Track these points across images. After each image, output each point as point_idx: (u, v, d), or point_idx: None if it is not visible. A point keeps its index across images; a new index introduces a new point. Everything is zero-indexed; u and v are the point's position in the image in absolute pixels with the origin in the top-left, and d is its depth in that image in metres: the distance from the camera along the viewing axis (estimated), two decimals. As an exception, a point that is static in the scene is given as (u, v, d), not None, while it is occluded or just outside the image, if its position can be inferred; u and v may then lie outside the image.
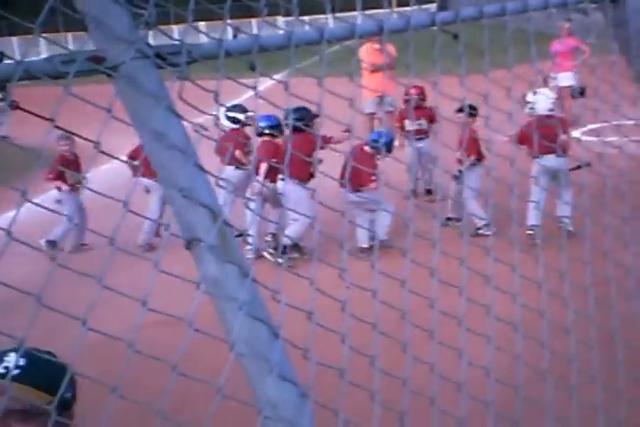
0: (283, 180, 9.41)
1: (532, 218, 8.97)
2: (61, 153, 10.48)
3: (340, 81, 2.00)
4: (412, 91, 10.75)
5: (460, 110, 8.68)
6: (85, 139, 1.27)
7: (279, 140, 9.90)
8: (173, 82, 1.54)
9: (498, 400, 2.09)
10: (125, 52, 1.49)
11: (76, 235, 10.34)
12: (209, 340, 1.50)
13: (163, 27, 1.61)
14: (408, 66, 2.21)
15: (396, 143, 11.13)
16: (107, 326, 1.30)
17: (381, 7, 2.92)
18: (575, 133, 10.13)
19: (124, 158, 9.24)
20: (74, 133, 1.31)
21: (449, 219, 10.05)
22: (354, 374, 1.67)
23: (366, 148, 9.79)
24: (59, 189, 10.33)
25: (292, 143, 2.33)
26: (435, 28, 2.22)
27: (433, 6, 34.60)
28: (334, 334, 1.70)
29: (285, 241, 9.07)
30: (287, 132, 9.54)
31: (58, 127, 1.20)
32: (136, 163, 8.83)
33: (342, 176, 9.07)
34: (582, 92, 14.66)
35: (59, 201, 10.21)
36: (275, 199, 9.91)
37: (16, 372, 2.13)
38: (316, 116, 8.49)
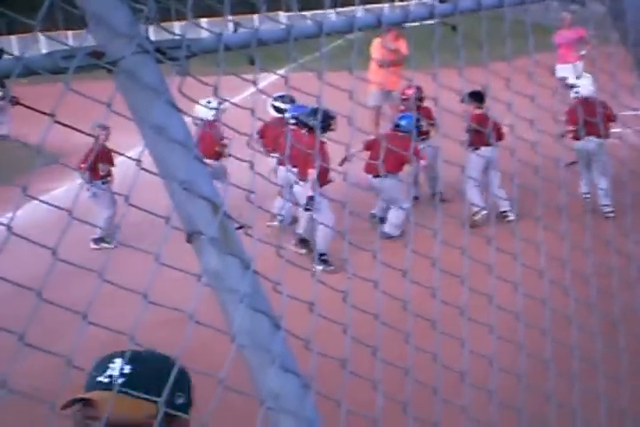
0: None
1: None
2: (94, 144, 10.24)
3: (343, 75, 2.00)
4: (409, 91, 10.70)
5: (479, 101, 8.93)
6: (84, 133, 1.28)
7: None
8: (175, 77, 1.55)
9: (501, 389, 2.10)
10: (125, 47, 1.50)
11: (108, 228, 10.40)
12: (216, 338, 1.50)
13: (164, 24, 1.62)
14: (413, 59, 2.22)
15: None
16: (113, 325, 1.30)
17: (381, 2, 2.93)
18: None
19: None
20: (73, 128, 1.32)
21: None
22: (356, 364, 1.68)
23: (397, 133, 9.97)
24: (91, 181, 9.86)
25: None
26: (434, 22, 2.23)
27: (433, -1, 34.40)
28: (336, 325, 1.71)
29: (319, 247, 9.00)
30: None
31: (58, 122, 1.21)
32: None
33: (373, 159, 9.36)
34: None
35: (94, 194, 9.90)
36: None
37: (120, 381, 1.93)
38: (332, 117, 8.58)
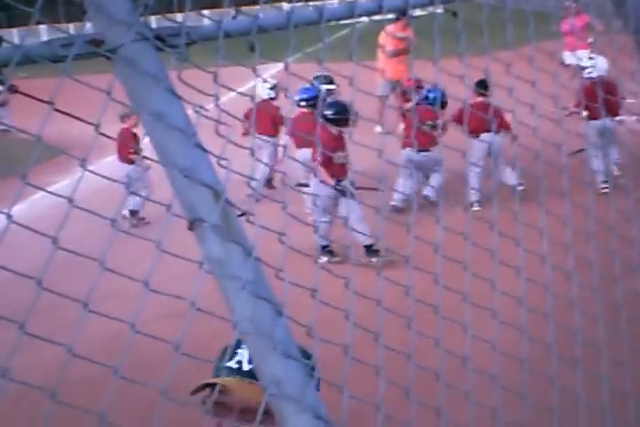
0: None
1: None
2: (124, 130, 10.66)
3: (348, 65, 1.99)
4: (409, 83, 10.74)
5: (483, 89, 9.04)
6: (85, 121, 1.28)
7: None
8: (181, 67, 1.55)
9: (503, 374, 2.10)
10: (125, 35, 1.50)
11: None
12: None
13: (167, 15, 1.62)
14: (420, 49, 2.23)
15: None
16: (125, 317, 1.31)
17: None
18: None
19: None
20: (74, 117, 1.32)
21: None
22: (358, 351, 1.68)
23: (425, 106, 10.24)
24: (130, 163, 10.47)
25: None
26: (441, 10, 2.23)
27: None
28: (338, 312, 1.72)
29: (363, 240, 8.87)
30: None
31: (57, 110, 1.21)
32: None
33: (408, 135, 9.52)
34: None
35: (131, 176, 10.03)
36: None
37: (247, 368, 1.97)
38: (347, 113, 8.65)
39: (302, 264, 1.67)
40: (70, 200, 1.20)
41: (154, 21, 1.59)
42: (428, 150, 9.99)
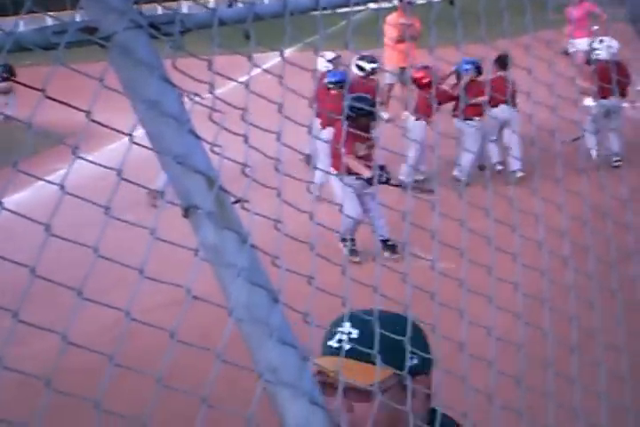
0: None
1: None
2: None
3: (350, 54, 1.99)
4: (418, 75, 11.00)
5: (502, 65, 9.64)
6: (77, 108, 1.28)
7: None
8: (181, 56, 1.55)
9: (499, 359, 2.10)
10: (118, 22, 1.49)
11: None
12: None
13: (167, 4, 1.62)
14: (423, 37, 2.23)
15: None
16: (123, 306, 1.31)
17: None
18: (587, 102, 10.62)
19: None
20: (67, 104, 1.31)
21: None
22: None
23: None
24: None
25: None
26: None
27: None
28: (335, 298, 1.72)
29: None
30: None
31: (49, 98, 1.21)
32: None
33: (456, 107, 10.22)
34: None
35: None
36: None
37: (347, 347, 1.92)
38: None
39: (300, 254, 1.67)
40: (62, 187, 1.20)
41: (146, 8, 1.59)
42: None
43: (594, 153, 10.65)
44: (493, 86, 9.90)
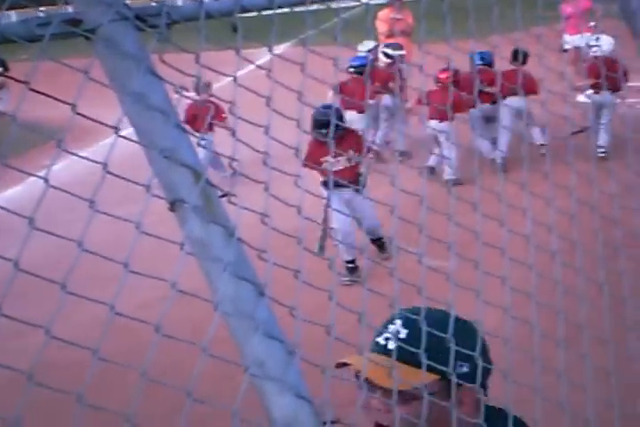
0: None
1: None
2: (198, 102, 10.89)
3: (341, 50, 1.98)
4: (442, 75, 10.96)
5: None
6: (63, 102, 1.27)
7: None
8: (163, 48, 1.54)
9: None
10: (104, 14, 1.48)
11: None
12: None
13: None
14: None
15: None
16: (117, 301, 1.30)
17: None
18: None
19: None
20: (52, 97, 1.30)
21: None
22: (341, 331, 1.68)
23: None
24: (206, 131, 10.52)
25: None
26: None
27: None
28: (322, 292, 1.71)
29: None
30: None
31: (32, 90, 1.20)
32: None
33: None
34: None
35: (203, 142, 10.17)
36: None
37: (392, 346, 1.87)
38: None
39: (288, 249, 1.67)
40: (46, 180, 1.20)
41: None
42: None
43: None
44: (505, 78, 10.23)
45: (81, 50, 1.37)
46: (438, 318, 1.86)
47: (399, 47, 12.35)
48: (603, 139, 11.24)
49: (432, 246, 2.07)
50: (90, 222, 1.19)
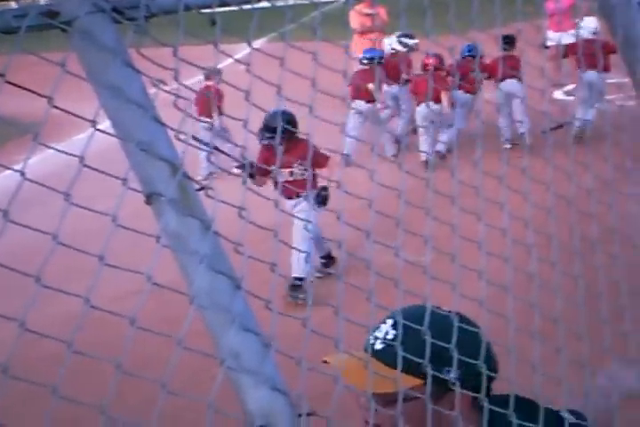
0: None
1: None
2: (209, 86, 11.02)
3: (321, 45, 1.97)
4: (430, 61, 11.43)
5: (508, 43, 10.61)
6: (39, 94, 1.27)
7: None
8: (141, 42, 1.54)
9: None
10: (81, 7, 1.48)
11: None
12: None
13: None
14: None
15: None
16: (93, 294, 1.30)
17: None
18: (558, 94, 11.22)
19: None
20: (28, 90, 1.30)
21: None
22: (318, 324, 1.69)
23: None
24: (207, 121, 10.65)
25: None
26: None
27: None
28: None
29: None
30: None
31: (9, 83, 1.20)
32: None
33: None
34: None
35: (209, 130, 10.26)
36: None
37: (379, 347, 1.87)
38: None
39: (265, 242, 1.67)
40: (22, 173, 1.20)
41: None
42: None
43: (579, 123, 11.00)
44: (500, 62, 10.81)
45: (60, 43, 1.36)
46: (436, 322, 1.84)
47: (414, 36, 12.58)
48: (591, 114, 11.34)
49: (409, 240, 2.08)
50: (65, 216, 1.19)
